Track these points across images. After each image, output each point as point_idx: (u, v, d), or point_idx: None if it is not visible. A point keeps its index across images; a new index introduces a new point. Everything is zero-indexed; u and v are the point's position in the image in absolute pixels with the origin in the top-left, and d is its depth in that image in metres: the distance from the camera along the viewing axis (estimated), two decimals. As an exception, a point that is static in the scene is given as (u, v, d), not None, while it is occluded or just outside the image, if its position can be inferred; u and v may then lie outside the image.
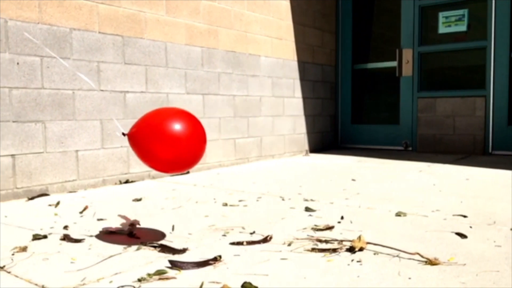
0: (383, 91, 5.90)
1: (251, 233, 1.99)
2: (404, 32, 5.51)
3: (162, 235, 1.97)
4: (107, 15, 3.32)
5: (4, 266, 1.61)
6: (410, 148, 5.53)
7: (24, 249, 1.80)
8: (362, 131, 5.91)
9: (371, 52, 5.98)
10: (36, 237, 1.94)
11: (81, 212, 2.45)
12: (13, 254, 1.74)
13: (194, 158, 1.85)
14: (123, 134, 1.92)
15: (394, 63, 5.55)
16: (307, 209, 2.44)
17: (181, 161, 1.83)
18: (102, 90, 3.31)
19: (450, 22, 5.26)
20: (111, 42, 3.36)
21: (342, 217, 2.23)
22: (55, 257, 1.71)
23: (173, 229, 2.07)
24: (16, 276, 1.51)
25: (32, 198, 2.85)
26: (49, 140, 3.01)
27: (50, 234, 2.01)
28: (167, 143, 1.77)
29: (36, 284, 1.44)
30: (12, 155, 2.83)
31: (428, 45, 5.42)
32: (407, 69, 5.47)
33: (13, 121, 2.83)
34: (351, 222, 2.15)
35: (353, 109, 5.99)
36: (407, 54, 5.45)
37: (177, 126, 1.81)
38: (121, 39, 3.43)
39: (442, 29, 5.31)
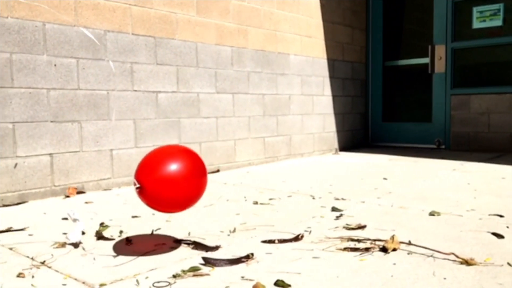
0: (415, 88, 5.79)
1: (282, 232, 2.00)
2: (436, 28, 5.40)
3: (191, 233, 2.01)
4: (139, 17, 3.39)
5: (44, 261, 1.68)
6: (443, 146, 5.42)
7: (63, 245, 1.86)
8: (393, 129, 5.82)
9: (402, 48, 5.88)
10: (74, 233, 2.01)
11: (116, 210, 2.52)
12: (53, 249, 1.80)
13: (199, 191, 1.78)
14: (137, 187, 1.65)
15: (426, 60, 5.45)
16: (338, 208, 2.43)
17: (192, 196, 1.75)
18: (135, 91, 3.39)
19: (484, 17, 5.12)
20: (143, 43, 3.43)
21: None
22: (93, 252, 1.77)
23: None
24: (57, 271, 1.57)
25: (69, 196, 2.95)
26: (85, 140, 3.10)
27: (87, 230, 2.08)
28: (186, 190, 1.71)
29: (75, 279, 1.49)
30: (50, 154, 2.93)
31: (461, 41, 5.29)
32: (440, 66, 5.36)
33: (51, 121, 2.93)
34: (384, 222, 2.13)
35: (384, 107, 5.90)
36: (440, 50, 5.34)
37: (188, 170, 1.71)
38: (153, 40, 3.50)
39: (477, 24, 5.17)
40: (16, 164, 2.78)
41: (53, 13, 2.92)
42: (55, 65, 2.94)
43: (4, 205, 2.70)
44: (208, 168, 3.94)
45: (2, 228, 2.14)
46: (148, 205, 1.70)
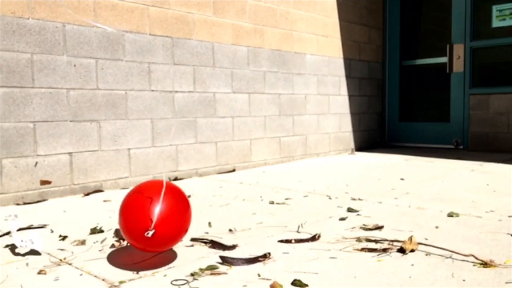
0: (433, 88, 5.72)
1: (299, 232, 2.00)
2: (455, 27, 5.33)
3: (208, 232, 2.02)
4: (157, 17, 3.43)
5: (65, 258, 1.71)
6: (461, 147, 5.35)
7: (83, 242, 1.89)
8: (410, 129, 5.77)
9: (420, 48, 5.82)
10: (93, 231, 2.04)
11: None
12: (72, 247, 1.84)
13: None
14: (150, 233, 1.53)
15: (444, 59, 5.38)
16: (355, 209, 2.42)
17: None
18: (152, 90, 3.42)
19: (504, 16, 5.03)
20: (161, 44, 3.46)
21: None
22: (112, 250, 1.79)
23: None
24: (77, 268, 1.60)
25: (87, 194, 2.99)
26: (103, 139, 3.15)
27: (106, 228, 2.11)
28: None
29: (95, 276, 1.52)
30: (70, 153, 2.98)
31: (480, 40, 5.21)
32: (458, 65, 5.29)
33: (70, 121, 2.98)
34: (401, 222, 2.12)
35: (401, 107, 5.85)
36: (458, 50, 5.27)
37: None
38: (171, 40, 3.53)
39: (496, 23, 5.09)
40: (36, 163, 2.83)
41: (73, 14, 2.97)
42: (74, 65, 2.99)
43: (25, 203, 2.75)
44: (224, 167, 3.96)
45: (23, 226, 2.18)
46: (154, 249, 1.60)
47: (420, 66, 5.75)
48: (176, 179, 3.58)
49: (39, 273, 1.56)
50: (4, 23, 2.69)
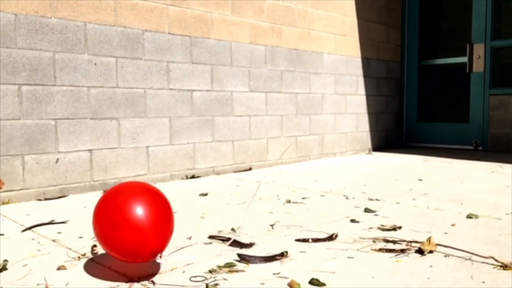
0: (452, 88, 5.66)
1: (315, 231, 2.00)
2: (475, 26, 5.25)
3: (226, 230, 2.04)
4: (176, 17, 3.46)
5: (85, 253, 1.74)
6: (481, 148, 5.27)
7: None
8: (429, 129, 5.71)
9: (439, 47, 5.75)
10: (113, 227, 2.07)
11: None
12: (93, 242, 1.87)
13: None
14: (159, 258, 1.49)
15: (464, 59, 5.31)
16: (372, 209, 2.41)
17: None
18: (171, 89, 3.46)
19: (527, 14, 4.94)
20: (179, 43, 3.49)
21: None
22: (131, 246, 1.82)
23: (235, 229, 2.13)
24: (98, 263, 1.63)
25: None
26: (122, 136, 3.19)
27: (125, 224, 2.14)
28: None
29: (116, 271, 1.55)
30: (90, 150, 3.03)
31: (501, 39, 5.13)
32: (478, 65, 5.21)
33: (91, 118, 3.03)
34: (419, 223, 2.10)
35: (419, 107, 5.79)
36: (479, 49, 5.19)
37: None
38: (189, 39, 3.55)
39: (518, 22, 5.00)
40: (57, 159, 2.89)
41: (94, 14, 3.02)
42: (95, 64, 3.03)
43: (46, 199, 2.81)
44: (241, 166, 3.98)
45: (45, 221, 2.23)
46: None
47: (439, 66, 5.68)
48: (193, 177, 3.61)
49: (59, 268, 1.59)
50: (27, 22, 2.74)
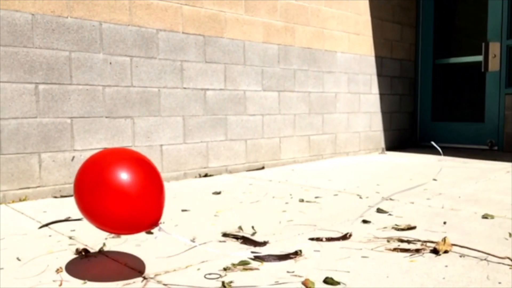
0: (467, 87, 5.59)
1: (329, 230, 2.00)
2: (491, 24, 5.19)
3: (239, 228, 2.05)
4: (190, 16, 3.48)
5: (101, 250, 1.76)
6: (496, 148, 5.20)
7: (118, 235, 1.95)
8: (443, 129, 5.65)
9: (454, 46, 5.69)
10: (128, 225, 2.10)
11: (167, 203, 2.60)
12: (108, 239, 1.89)
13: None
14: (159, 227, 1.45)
15: (479, 58, 5.24)
16: (386, 209, 2.40)
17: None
18: (184, 88, 3.48)
19: (544, 12, 4.86)
20: (193, 42, 3.51)
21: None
22: (146, 244, 1.84)
23: (249, 228, 2.14)
24: (114, 260, 1.65)
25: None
26: (137, 135, 3.22)
27: (140, 222, 2.16)
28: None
29: (132, 268, 1.56)
30: (104, 148, 3.06)
31: (518, 37, 5.06)
32: (494, 64, 5.15)
33: (106, 117, 3.06)
34: (434, 223, 2.09)
35: (433, 106, 5.74)
36: (494, 48, 5.12)
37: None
38: (203, 39, 3.57)
39: (535, 20, 4.92)
40: (73, 157, 2.92)
41: (109, 13, 3.05)
42: (110, 63, 3.06)
43: (62, 196, 2.85)
44: (253, 165, 3.98)
45: (61, 218, 2.26)
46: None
47: (454, 65, 5.62)
48: (206, 175, 3.63)
49: (77, 263, 1.62)
50: (44, 22, 2.78)
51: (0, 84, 2.64)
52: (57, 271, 1.53)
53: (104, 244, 1.82)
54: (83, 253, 1.71)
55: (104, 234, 1.97)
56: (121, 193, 1.37)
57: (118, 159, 1.46)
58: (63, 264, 1.60)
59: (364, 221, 2.14)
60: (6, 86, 2.66)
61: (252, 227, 2.06)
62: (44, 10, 2.78)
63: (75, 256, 1.69)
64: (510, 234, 1.89)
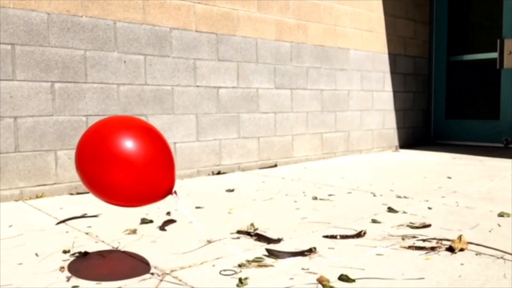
0: (482, 84, 5.53)
1: (343, 228, 2.00)
2: (506, 20, 5.12)
3: (253, 225, 2.05)
4: (203, 14, 3.49)
5: (118, 246, 1.79)
6: (511, 145, 5.14)
7: (134, 231, 1.97)
8: (457, 127, 5.60)
9: (468, 43, 5.63)
10: (144, 221, 2.12)
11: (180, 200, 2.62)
12: (124, 236, 1.92)
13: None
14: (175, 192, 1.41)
15: (494, 55, 5.18)
16: (400, 207, 2.39)
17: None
18: (197, 86, 3.49)
19: (561, 8, 4.79)
20: (206, 40, 3.52)
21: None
22: (162, 240, 1.86)
23: (262, 225, 2.14)
24: (130, 256, 1.67)
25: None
26: (151, 133, 3.24)
27: (155, 219, 2.18)
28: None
29: (147, 264, 1.58)
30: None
31: (535, 33, 4.98)
32: (509, 61, 5.08)
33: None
34: (449, 221, 2.07)
35: (447, 103, 5.68)
36: (510, 45, 5.06)
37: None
38: (215, 37, 3.58)
39: (552, 16, 4.85)
40: (88, 155, 2.96)
41: (123, 12, 3.07)
42: (124, 61, 3.09)
43: (78, 193, 2.88)
44: (266, 162, 3.99)
45: (78, 214, 2.29)
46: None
47: (469, 62, 5.56)
48: (219, 173, 3.64)
49: (94, 258, 1.64)
50: (59, 21, 2.81)
51: (17, 82, 2.68)
52: (73, 266, 1.56)
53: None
54: (83, 254, 1.69)
55: (120, 230, 2.00)
56: (129, 163, 1.29)
57: (122, 127, 1.38)
58: (80, 260, 1.63)
59: (378, 219, 2.13)
60: (23, 85, 2.70)
61: (263, 225, 2.06)
62: (60, 10, 2.82)
63: (91, 252, 1.72)
64: (527, 232, 1.87)
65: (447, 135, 5.67)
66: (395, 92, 5.23)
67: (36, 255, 1.69)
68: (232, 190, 2.92)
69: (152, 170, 1.33)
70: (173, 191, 1.38)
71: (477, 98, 5.60)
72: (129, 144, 1.31)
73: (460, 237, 1.70)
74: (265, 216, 2.23)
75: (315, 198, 2.64)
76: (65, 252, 1.69)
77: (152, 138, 1.38)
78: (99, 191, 1.35)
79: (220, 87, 3.65)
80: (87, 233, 1.97)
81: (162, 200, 1.40)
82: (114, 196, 1.34)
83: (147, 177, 1.32)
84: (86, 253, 1.68)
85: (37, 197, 2.76)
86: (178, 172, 3.40)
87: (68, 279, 1.44)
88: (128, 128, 1.37)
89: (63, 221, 2.16)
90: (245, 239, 1.85)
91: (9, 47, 2.64)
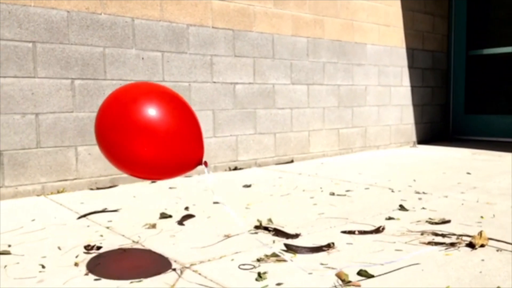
0: (502, 79, 5.43)
1: (361, 223, 2.00)
2: (528, 13, 5.01)
3: (271, 221, 2.06)
4: (219, 10, 3.50)
5: (138, 240, 1.81)
6: (533, 141, 5.05)
7: (153, 226, 2.00)
8: (477, 122, 5.51)
9: (488, 36, 5.53)
10: (163, 216, 2.15)
11: (198, 195, 2.65)
12: (143, 230, 1.94)
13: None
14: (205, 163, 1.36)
15: (515, 48, 5.08)
16: (419, 202, 2.37)
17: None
18: (214, 82, 3.51)
19: None
20: (222, 36, 3.53)
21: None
22: (180, 234, 1.88)
23: (280, 220, 2.15)
24: (151, 250, 1.70)
25: (154, 181, 3.13)
26: (168, 129, 3.27)
27: (174, 214, 2.21)
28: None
29: (168, 257, 1.60)
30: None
31: (557, 26, 4.87)
32: (531, 54, 4.98)
33: (138, 111, 3.12)
34: (469, 217, 2.05)
35: (466, 98, 5.60)
36: (532, 37, 4.95)
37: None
38: (232, 33, 3.59)
39: None
40: (108, 151, 3.00)
41: (141, 9, 3.10)
42: (142, 58, 3.12)
43: (98, 188, 2.93)
44: (282, 158, 3.99)
45: (98, 209, 2.33)
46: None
47: (488, 56, 5.47)
48: (236, 168, 3.66)
49: (114, 252, 1.67)
50: (79, 19, 2.85)
51: (38, 80, 2.73)
52: (94, 260, 1.59)
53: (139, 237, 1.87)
54: (93, 248, 1.70)
55: (140, 225, 2.03)
56: (153, 133, 1.20)
57: (144, 93, 1.27)
58: (101, 254, 1.66)
59: (397, 215, 2.12)
60: (44, 82, 2.75)
61: (281, 220, 2.07)
62: (79, 7, 2.85)
63: (113, 245, 1.75)
64: (549, 228, 1.84)
65: (466, 130, 5.59)
66: (413, 87, 5.17)
67: (59, 248, 1.72)
68: (249, 186, 2.93)
69: (179, 139, 1.23)
70: (203, 161, 1.30)
71: (497, 92, 5.50)
72: (152, 111, 1.21)
73: (480, 233, 1.68)
74: (283, 212, 2.24)
75: (332, 194, 2.64)
76: (86, 246, 1.73)
77: (177, 104, 1.28)
78: (122, 164, 1.25)
79: (237, 83, 3.66)
80: (107, 227, 2.00)
81: (191, 171, 1.28)
82: (139, 169, 1.25)
83: (174, 147, 1.22)
84: (104, 248, 1.71)
85: (58, 192, 2.81)
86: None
87: (89, 272, 1.47)
88: (151, 94, 1.26)
89: (84, 216, 2.20)
90: (263, 234, 1.86)
91: (30, 44, 2.69)
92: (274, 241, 1.76)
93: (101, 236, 1.87)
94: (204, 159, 1.33)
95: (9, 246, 1.76)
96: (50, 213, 2.29)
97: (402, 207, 2.25)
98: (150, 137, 1.20)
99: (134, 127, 1.20)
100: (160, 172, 1.27)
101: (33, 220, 2.16)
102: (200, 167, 1.33)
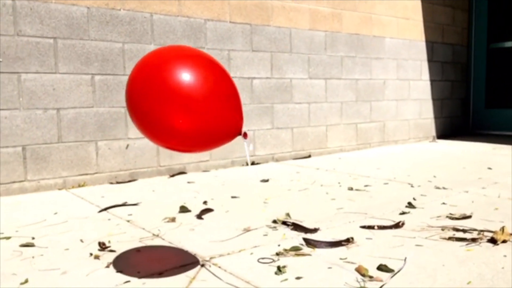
0: (524, 72, 5.31)
1: (380, 218, 1.99)
2: (552, 4, 4.89)
3: (289, 215, 2.07)
4: (236, 5, 3.50)
5: (158, 234, 1.84)
6: (556, 136, 4.94)
7: (173, 219, 2.02)
8: (498, 116, 5.41)
9: (509, 29, 5.41)
10: (182, 210, 2.17)
11: (216, 190, 2.67)
12: (163, 223, 1.97)
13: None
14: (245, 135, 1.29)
15: (538, 40, 4.97)
16: (439, 198, 2.34)
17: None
18: (232, 77, 3.51)
19: None
20: (240, 31, 3.53)
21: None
22: (200, 228, 1.90)
23: (299, 215, 2.15)
24: (171, 243, 1.72)
25: (173, 175, 3.16)
26: (186, 123, 3.29)
27: (192, 208, 2.23)
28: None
29: (187, 251, 1.62)
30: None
31: None
32: (555, 47, 4.86)
33: (157, 106, 3.15)
34: (490, 213, 2.02)
35: (487, 92, 5.50)
36: (556, 30, 4.83)
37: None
38: (249, 27, 3.59)
39: None
40: (127, 145, 3.04)
41: (159, 4, 3.12)
42: (160, 53, 3.14)
43: (117, 182, 2.97)
44: (300, 153, 3.98)
45: (118, 203, 2.36)
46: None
47: (510, 49, 5.35)
48: (253, 163, 3.67)
49: (135, 246, 1.69)
50: (98, 15, 2.89)
51: (59, 75, 2.77)
52: (115, 253, 1.61)
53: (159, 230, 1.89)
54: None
55: (160, 218, 2.05)
56: (189, 99, 1.09)
57: (178, 56, 1.15)
58: (122, 247, 1.69)
59: (417, 210, 2.10)
60: (64, 77, 2.79)
61: (299, 214, 2.07)
62: (98, 3, 2.88)
63: (134, 238, 1.77)
64: None
65: (486, 125, 5.50)
66: (432, 81, 5.10)
67: (81, 241, 1.76)
68: (267, 180, 2.94)
69: (218, 107, 1.12)
70: (242, 132, 1.21)
71: (519, 86, 5.39)
72: (186, 76, 1.10)
73: (502, 229, 1.66)
74: (301, 206, 2.24)
75: (351, 189, 2.62)
76: (103, 244, 1.75)
77: (214, 69, 1.17)
78: (154, 134, 1.16)
79: (254, 78, 3.66)
80: (128, 221, 2.03)
81: (229, 143, 1.20)
82: (172, 140, 1.15)
83: (211, 116, 1.12)
84: (124, 241, 1.74)
85: (79, 186, 2.86)
86: (213, 162, 3.44)
87: (110, 264, 1.50)
88: (186, 58, 1.15)
89: (105, 209, 2.24)
90: (282, 229, 1.86)
91: (51, 41, 2.73)
92: (292, 237, 1.76)
93: (122, 229, 1.90)
94: (243, 130, 1.21)
95: (33, 238, 1.80)
96: (72, 207, 2.33)
97: (410, 204, 2.23)
98: (186, 104, 1.10)
99: (168, 94, 1.09)
100: (196, 143, 1.17)
101: (55, 213, 2.20)
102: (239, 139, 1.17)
